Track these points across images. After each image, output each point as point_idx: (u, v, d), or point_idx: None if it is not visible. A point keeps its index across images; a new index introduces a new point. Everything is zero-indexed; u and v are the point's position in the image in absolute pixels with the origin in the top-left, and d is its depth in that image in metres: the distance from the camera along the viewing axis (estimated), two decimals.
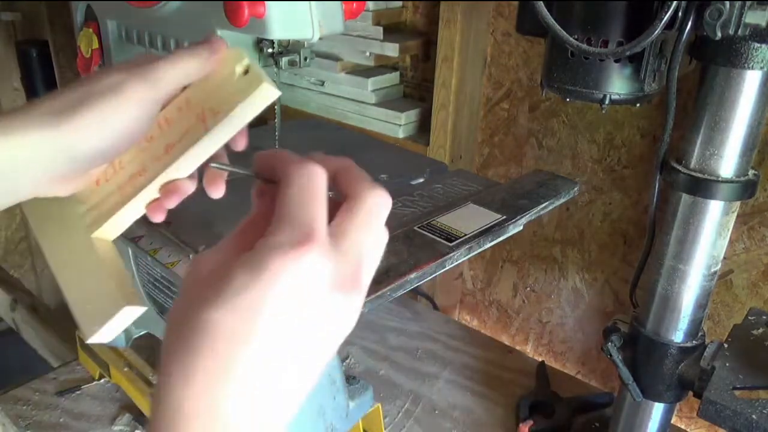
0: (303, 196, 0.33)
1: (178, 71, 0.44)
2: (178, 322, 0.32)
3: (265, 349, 0.31)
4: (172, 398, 0.30)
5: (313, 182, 0.34)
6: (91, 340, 0.44)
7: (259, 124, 0.71)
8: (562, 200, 0.69)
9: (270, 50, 0.69)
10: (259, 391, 0.31)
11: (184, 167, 0.46)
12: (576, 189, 0.72)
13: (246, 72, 0.46)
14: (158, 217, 0.48)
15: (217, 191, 0.48)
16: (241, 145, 0.48)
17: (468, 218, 0.62)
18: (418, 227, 0.59)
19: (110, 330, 0.44)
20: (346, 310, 0.34)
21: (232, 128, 0.46)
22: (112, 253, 0.48)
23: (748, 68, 0.54)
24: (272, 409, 0.32)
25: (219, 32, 0.66)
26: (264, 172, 0.38)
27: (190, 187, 0.47)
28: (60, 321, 1.52)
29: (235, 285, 0.31)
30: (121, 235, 0.50)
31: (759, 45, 0.53)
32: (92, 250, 0.47)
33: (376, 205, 0.35)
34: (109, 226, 0.47)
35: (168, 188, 0.47)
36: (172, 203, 0.47)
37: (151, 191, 0.47)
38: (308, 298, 0.32)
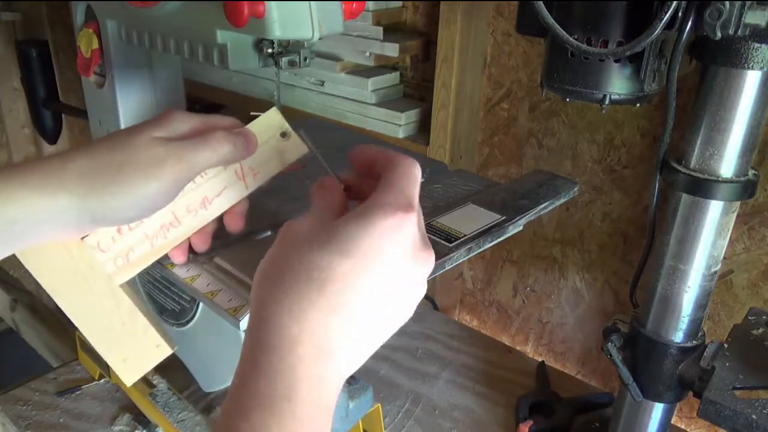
0: (407, 176, 0.39)
1: (216, 158, 0.46)
2: (280, 265, 0.37)
3: (369, 293, 0.36)
4: (278, 325, 0.35)
5: (414, 168, 0.40)
6: (133, 381, 0.46)
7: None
8: (562, 200, 0.69)
9: (270, 50, 0.68)
10: (359, 327, 0.36)
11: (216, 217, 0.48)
12: (576, 189, 0.71)
13: (284, 135, 0.50)
14: (182, 259, 0.51)
15: (237, 226, 0.51)
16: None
17: (468, 218, 0.62)
18: None
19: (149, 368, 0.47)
20: (423, 273, 0.39)
21: (263, 183, 0.49)
22: (138, 298, 0.48)
23: (748, 68, 0.54)
24: (366, 343, 0.38)
25: (219, 32, 0.66)
26: (359, 164, 0.44)
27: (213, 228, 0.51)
28: (60, 321, 1.52)
29: (348, 233, 0.36)
30: None
31: (759, 45, 0.53)
32: (122, 299, 0.46)
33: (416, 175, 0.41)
34: (136, 272, 0.47)
35: (200, 236, 0.49)
36: (204, 248, 0.51)
37: (184, 239, 0.48)
38: (404, 255, 0.37)
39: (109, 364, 0.46)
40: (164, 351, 0.47)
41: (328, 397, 0.36)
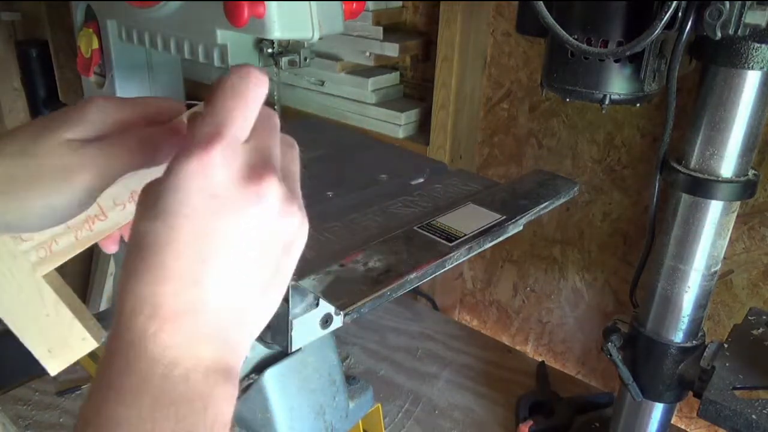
0: (225, 95, 0.34)
1: (137, 163, 0.40)
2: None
3: (194, 251, 0.32)
4: (119, 302, 0.33)
5: (240, 82, 0.34)
6: (56, 373, 0.45)
7: None
8: (562, 200, 0.69)
9: (270, 50, 0.69)
10: (193, 283, 0.32)
11: None
12: (576, 189, 0.71)
13: None
14: (113, 249, 0.46)
15: (111, 250, 0.46)
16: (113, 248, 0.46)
17: (468, 218, 0.62)
18: (418, 227, 0.59)
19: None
20: (266, 201, 0.33)
21: None
22: (64, 287, 0.46)
23: (748, 68, 0.54)
24: (232, 307, 0.33)
25: (219, 32, 0.67)
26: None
27: None
28: None
29: (155, 193, 0.33)
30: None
31: (759, 45, 0.53)
32: (46, 290, 0.44)
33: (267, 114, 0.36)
34: (59, 264, 0.44)
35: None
36: None
37: (112, 231, 0.44)
38: (220, 196, 0.32)
39: (34, 354, 0.45)
40: (90, 344, 0.45)
41: (194, 374, 0.32)
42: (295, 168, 0.38)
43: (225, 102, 0.33)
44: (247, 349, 0.36)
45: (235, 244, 0.33)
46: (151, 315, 0.32)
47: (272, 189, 0.34)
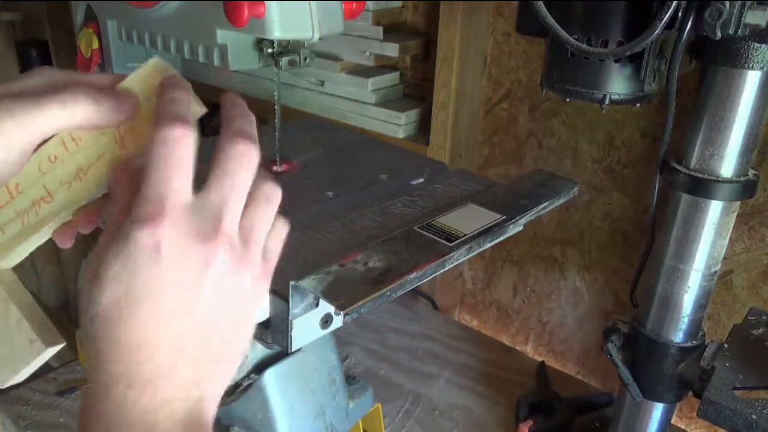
0: (158, 163, 0.34)
1: (69, 118, 0.37)
2: None
3: (153, 314, 0.33)
4: (95, 374, 0.33)
5: (169, 147, 0.34)
6: (7, 385, 0.40)
7: (259, 124, 0.71)
8: (562, 200, 0.69)
9: (270, 50, 0.69)
10: (156, 348, 0.33)
11: (101, 191, 0.40)
12: (576, 189, 0.71)
13: None
14: (67, 243, 0.43)
15: (65, 244, 0.43)
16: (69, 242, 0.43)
17: (468, 218, 0.62)
18: (418, 227, 0.59)
19: (28, 371, 0.40)
20: (213, 264, 0.34)
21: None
22: (16, 285, 0.42)
23: (748, 68, 0.54)
24: (184, 360, 0.34)
25: (219, 32, 0.67)
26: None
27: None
28: (60, 321, 1.52)
29: (106, 265, 0.33)
30: None
31: (759, 45, 0.53)
32: None
33: (239, 156, 0.36)
34: (10, 257, 0.41)
35: (87, 212, 0.41)
36: (89, 228, 0.43)
37: (62, 217, 0.41)
38: (172, 259, 0.33)
39: None
40: (38, 348, 0.40)
41: None
42: (262, 222, 0.38)
43: (158, 172, 0.34)
44: (217, 400, 0.37)
45: (190, 304, 0.34)
46: (128, 385, 0.33)
47: (219, 252, 0.34)
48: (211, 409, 0.36)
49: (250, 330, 0.39)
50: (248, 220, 0.37)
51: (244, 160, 0.36)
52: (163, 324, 0.34)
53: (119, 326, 0.33)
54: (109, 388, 0.33)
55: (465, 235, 0.58)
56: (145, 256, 0.33)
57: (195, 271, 0.34)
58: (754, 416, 0.57)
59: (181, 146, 0.34)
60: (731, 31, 0.50)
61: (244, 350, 0.38)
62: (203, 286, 0.34)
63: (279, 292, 0.50)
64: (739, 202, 0.61)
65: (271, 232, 0.39)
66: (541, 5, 0.53)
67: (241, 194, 0.36)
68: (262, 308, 0.50)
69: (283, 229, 0.41)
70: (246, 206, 0.37)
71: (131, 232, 0.33)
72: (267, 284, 0.39)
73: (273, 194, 0.39)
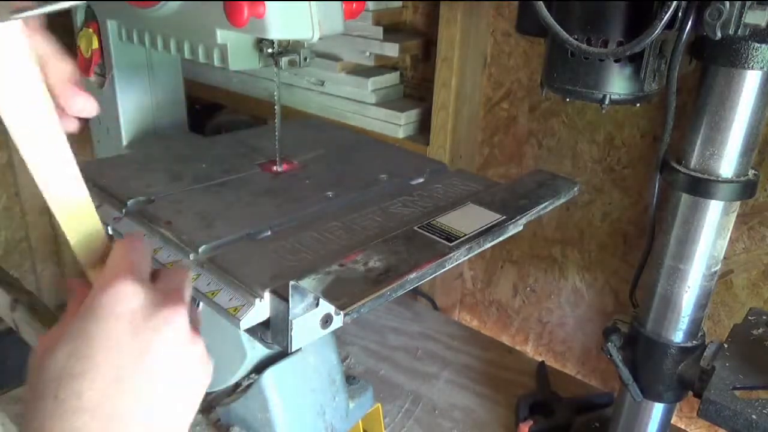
0: (119, 253, 0.41)
1: None
2: (31, 386, 0.37)
3: (111, 370, 0.36)
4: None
5: (128, 244, 0.42)
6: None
7: (259, 124, 0.71)
8: (562, 200, 0.69)
9: (270, 50, 0.69)
10: (113, 408, 0.35)
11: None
12: (576, 189, 0.71)
13: None
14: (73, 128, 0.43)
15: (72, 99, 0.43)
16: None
17: (468, 218, 0.62)
18: (418, 227, 0.59)
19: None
20: (174, 324, 0.39)
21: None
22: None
23: (748, 68, 0.54)
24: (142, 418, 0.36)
25: (219, 32, 0.67)
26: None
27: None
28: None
29: (62, 330, 0.37)
30: (121, 234, 0.49)
31: (759, 45, 0.53)
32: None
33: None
34: None
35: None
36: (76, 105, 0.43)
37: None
38: (135, 318, 0.37)
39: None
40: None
41: None
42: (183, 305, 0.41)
43: (119, 258, 0.40)
44: None
45: (147, 363, 0.37)
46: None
47: (179, 315, 0.39)
48: None
49: (197, 401, 0.41)
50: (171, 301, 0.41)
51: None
52: (125, 377, 0.36)
53: (81, 379, 0.35)
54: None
55: (465, 235, 0.58)
56: (112, 307, 0.37)
57: (157, 325, 0.38)
58: (754, 416, 0.57)
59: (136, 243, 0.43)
60: (731, 31, 0.50)
61: (190, 416, 0.40)
62: (164, 342, 0.38)
63: (279, 292, 0.50)
64: (739, 202, 0.61)
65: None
66: (541, 5, 0.53)
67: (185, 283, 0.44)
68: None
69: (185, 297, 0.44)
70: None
71: (103, 286, 0.38)
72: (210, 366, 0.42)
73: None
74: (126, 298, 0.37)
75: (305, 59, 0.71)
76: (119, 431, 0.35)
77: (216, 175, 0.71)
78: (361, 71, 1.11)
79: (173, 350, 0.38)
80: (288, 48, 0.69)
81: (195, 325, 0.42)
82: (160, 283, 0.41)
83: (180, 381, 0.39)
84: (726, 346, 0.65)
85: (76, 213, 0.42)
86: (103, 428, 0.34)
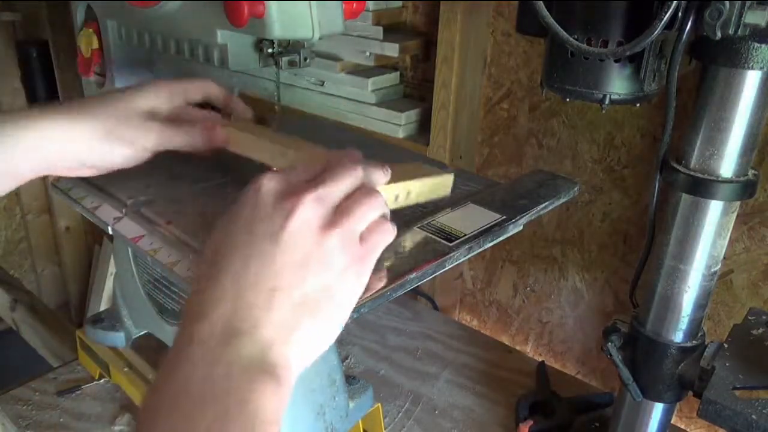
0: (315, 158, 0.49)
1: (179, 144, 0.60)
2: None
3: (241, 251, 0.40)
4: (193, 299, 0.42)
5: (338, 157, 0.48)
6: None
7: (259, 123, 0.71)
8: (562, 200, 0.69)
9: (270, 50, 0.69)
10: (243, 279, 0.40)
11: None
12: (576, 189, 0.72)
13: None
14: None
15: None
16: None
17: (468, 218, 0.62)
18: (418, 227, 0.59)
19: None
20: (297, 216, 0.41)
21: None
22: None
23: (748, 68, 0.54)
24: (266, 302, 0.39)
25: (219, 32, 0.67)
26: None
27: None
28: (60, 321, 1.52)
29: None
30: (121, 234, 0.49)
31: (759, 45, 0.53)
32: None
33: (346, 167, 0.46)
34: None
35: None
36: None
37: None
38: (257, 214, 0.41)
39: None
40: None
41: (238, 378, 0.37)
42: (359, 209, 0.44)
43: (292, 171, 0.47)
44: (297, 359, 0.41)
45: (265, 249, 0.40)
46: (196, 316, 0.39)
47: (303, 203, 0.41)
48: (286, 362, 0.40)
49: (341, 301, 0.42)
50: (346, 203, 0.43)
51: (349, 171, 0.45)
52: (243, 268, 0.40)
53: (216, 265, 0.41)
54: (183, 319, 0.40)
55: (465, 235, 0.59)
56: (249, 197, 0.42)
57: (279, 219, 0.40)
58: (754, 416, 0.57)
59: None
60: (731, 31, 0.49)
61: (331, 319, 0.42)
62: (283, 231, 0.40)
63: None
64: (739, 202, 0.61)
65: (376, 226, 0.45)
66: (541, 5, 0.53)
67: (342, 185, 0.44)
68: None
69: (387, 229, 0.46)
70: (349, 197, 0.44)
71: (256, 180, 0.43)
72: (364, 266, 0.44)
73: (376, 205, 0.45)
74: (264, 183, 0.42)
75: (305, 59, 0.71)
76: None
77: (216, 175, 0.71)
78: (361, 71, 1.11)
79: (299, 234, 0.40)
80: (288, 48, 0.69)
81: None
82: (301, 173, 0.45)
83: (312, 267, 0.41)
84: (726, 346, 0.65)
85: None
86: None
